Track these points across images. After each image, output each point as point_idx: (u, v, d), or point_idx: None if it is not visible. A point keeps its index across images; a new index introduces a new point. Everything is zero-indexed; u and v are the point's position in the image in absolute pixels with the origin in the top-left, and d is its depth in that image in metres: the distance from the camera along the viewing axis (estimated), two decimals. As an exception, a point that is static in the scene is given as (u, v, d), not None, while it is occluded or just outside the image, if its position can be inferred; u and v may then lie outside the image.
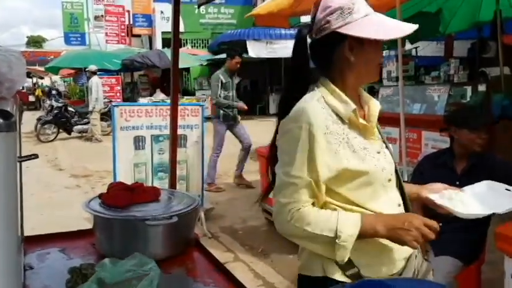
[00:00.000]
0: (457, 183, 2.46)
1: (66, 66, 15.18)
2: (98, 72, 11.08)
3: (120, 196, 1.52)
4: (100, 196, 1.57)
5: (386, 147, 1.32)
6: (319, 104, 1.19)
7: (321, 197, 1.19)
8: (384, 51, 6.31)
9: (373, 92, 6.66)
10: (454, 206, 1.44)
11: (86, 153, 8.93)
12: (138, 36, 18.72)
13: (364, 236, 1.15)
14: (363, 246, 1.18)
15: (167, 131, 4.09)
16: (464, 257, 2.38)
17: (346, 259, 1.14)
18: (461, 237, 2.37)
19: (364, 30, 1.17)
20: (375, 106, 1.30)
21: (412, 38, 7.00)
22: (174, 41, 2.23)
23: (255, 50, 13.73)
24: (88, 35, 18.71)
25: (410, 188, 1.45)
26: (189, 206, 1.55)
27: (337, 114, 1.20)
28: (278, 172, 1.20)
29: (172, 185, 2.13)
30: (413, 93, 5.75)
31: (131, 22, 17.94)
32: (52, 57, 22.19)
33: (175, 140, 2.40)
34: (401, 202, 1.31)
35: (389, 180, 1.28)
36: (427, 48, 7.96)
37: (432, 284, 1.21)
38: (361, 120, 1.23)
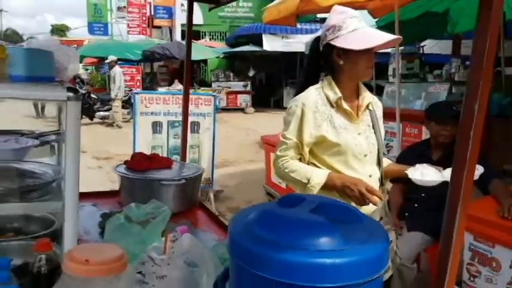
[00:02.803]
0: (432, 170, 2.82)
1: (90, 55, 15.72)
2: (119, 62, 11.59)
3: (141, 162, 1.93)
4: (125, 163, 1.99)
5: (375, 132, 1.71)
6: (316, 91, 1.67)
7: (305, 156, 1.66)
8: (390, 50, 6.55)
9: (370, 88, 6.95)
10: (413, 174, 1.71)
11: (107, 137, 9.46)
12: (159, 27, 19.19)
13: (327, 186, 1.59)
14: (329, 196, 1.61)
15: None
16: (435, 233, 2.66)
17: None
18: (432, 216, 2.70)
19: (344, 42, 1.58)
20: (366, 100, 1.71)
21: (419, 37, 7.25)
22: (188, 34, 2.61)
23: (271, 43, 14.04)
24: (111, 25, 19.25)
25: (400, 167, 1.84)
26: (195, 173, 1.96)
27: (328, 99, 1.65)
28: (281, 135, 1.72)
29: (183, 158, 2.54)
30: (416, 90, 6.02)
31: (152, 13, 18.41)
32: (76, 45, 22.86)
33: (186, 124, 2.80)
34: (373, 174, 1.70)
35: (366, 155, 1.67)
36: (436, 47, 8.17)
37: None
38: (345, 106, 1.64)
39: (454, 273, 1.10)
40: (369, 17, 5.67)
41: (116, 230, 1.33)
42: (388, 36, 1.58)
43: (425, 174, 1.67)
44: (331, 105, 1.65)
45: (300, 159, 1.68)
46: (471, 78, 0.92)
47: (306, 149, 1.66)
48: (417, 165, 1.72)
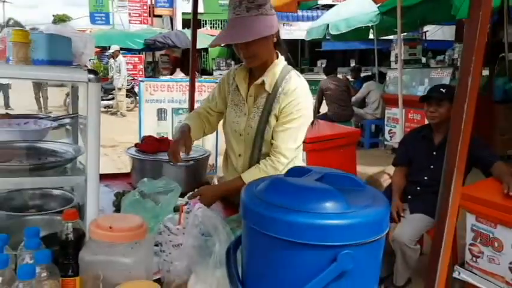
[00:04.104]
0: (434, 153, 2.87)
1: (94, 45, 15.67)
2: (121, 52, 11.62)
3: (151, 145, 2.01)
4: (136, 145, 2.07)
5: (261, 116, 1.62)
6: (236, 66, 1.77)
7: (210, 118, 1.86)
8: (393, 36, 6.58)
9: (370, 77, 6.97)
10: None
11: (112, 126, 9.51)
12: (160, 16, 19.13)
13: None
14: None
15: (186, 105, 4.59)
16: None
17: None
18: (433, 199, 2.74)
19: None
20: (259, 80, 1.63)
21: (422, 22, 7.25)
22: (193, 23, 2.67)
23: (273, 31, 13.98)
24: (112, 14, 19.20)
25: None
26: (202, 155, 2.04)
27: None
28: None
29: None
30: (418, 76, 6.06)
31: (153, 2, 18.35)
32: (77, 35, 22.66)
33: (193, 110, 2.86)
34: (243, 155, 1.71)
35: (241, 135, 1.69)
36: (439, 32, 8.15)
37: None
38: (237, 82, 1.69)
39: (448, 252, 1.16)
40: (371, 3, 5.69)
41: (131, 206, 1.41)
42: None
43: None
44: (234, 80, 1.73)
45: (209, 114, 1.87)
46: (463, 61, 0.98)
47: (212, 112, 1.85)
48: None
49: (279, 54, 1.68)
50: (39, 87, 10.87)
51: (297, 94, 1.59)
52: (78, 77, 1.06)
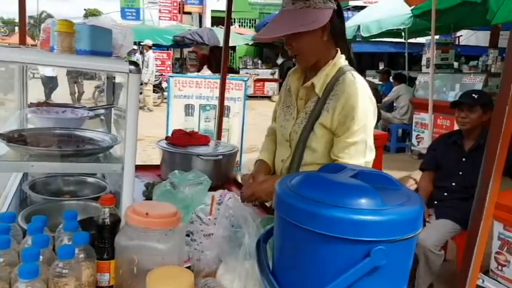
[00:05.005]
0: (463, 159, 2.82)
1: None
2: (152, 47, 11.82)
3: (181, 138, 2.04)
4: (166, 138, 2.11)
5: (307, 121, 1.48)
6: (295, 67, 1.61)
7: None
8: (424, 40, 6.45)
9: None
10: None
11: (139, 120, 9.68)
12: (189, 13, 19.34)
13: None
14: None
15: (213, 102, 4.65)
16: (463, 222, 2.68)
17: None
18: (460, 205, 2.71)
19: None
20: (309, 82, 1.49)
21: (455, 26, 7.09)
22: (226, 21, 2.69)
23: (301, 31, 13.90)
24: (142, 10, 19.52)
25: None
26: (231, 150, 2.06)
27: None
28: None
29: (219, 138, 2.66)
30: (449, 81, 5.93)
31: (183, -1, 18.59)
32: (108, 30, 23.12)
33: (223, 106, 2.93)
34: (285, 160, 1.58)
35: (287, 140, 1.57)
36: (472, 38, 7.94)
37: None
38: (291, 82, 1.58)
39: (480, 260, 1.13)
40: (403, 5, 5.60)
41: (163, 195, 1.45)
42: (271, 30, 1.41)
43: None
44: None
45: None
46: (507, 63, 0.96)
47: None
48: None
49: (339, 52, 1.50)
50: (75, 81, 11.18)
51: (350, 102, 1.39)
52: (120, 68, 1.09)
